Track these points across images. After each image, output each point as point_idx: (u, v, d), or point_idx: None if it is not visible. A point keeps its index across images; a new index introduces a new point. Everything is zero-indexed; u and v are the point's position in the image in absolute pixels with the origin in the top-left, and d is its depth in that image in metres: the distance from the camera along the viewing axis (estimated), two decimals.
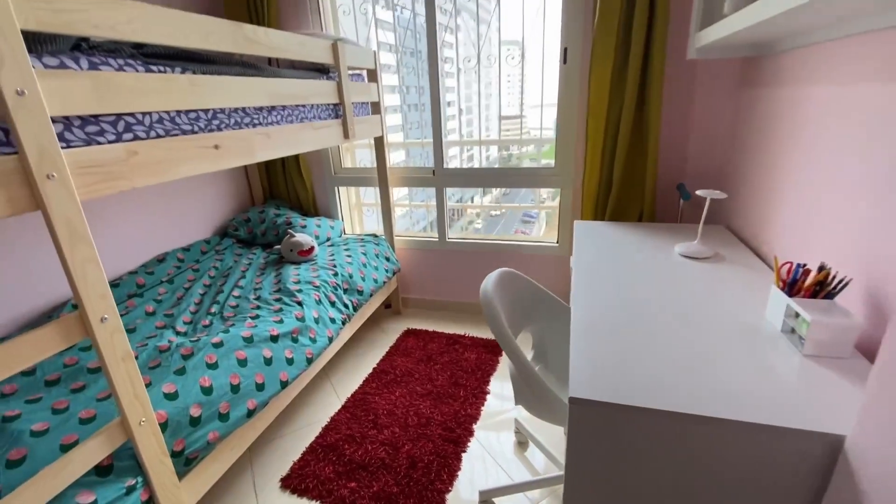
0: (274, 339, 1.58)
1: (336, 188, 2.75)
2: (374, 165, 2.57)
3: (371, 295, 2.26)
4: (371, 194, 2.97)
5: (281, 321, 1.67)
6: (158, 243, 2.22)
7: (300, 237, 2.22)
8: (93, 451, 0.99)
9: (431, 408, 1.89)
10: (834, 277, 0.94)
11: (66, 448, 1.03)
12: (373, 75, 2.32)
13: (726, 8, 1.35)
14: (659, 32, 1.74)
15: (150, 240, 2.17)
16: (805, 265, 0.98)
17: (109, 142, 1.00)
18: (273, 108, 1.55)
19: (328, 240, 2.54)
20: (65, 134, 0.92)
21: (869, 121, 0.96)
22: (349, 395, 2.00)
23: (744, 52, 1.58)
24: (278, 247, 2.34)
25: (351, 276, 2.14)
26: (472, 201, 4.54)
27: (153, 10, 1.06)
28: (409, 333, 2.51)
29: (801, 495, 0.76)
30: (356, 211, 2.97)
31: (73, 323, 0.93)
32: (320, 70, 1.93)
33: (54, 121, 0.89)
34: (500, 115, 2.55)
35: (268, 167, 2.73)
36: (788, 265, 1.00)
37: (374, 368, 2.19)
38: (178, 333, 1.62)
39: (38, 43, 0.90)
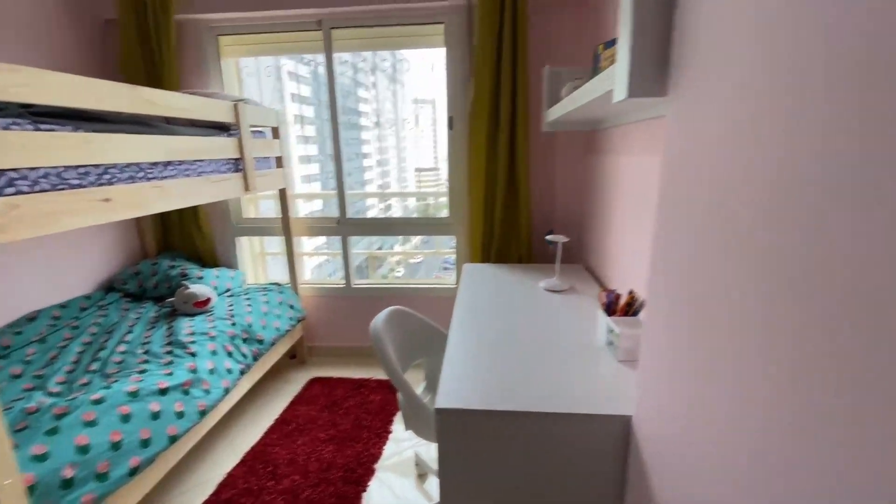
0: (163, 392, 1.54)
1: (237, 239, 2.75)
2: (279, 216, 2.64)
3: (273, 344, 2.26)
4: (276, 244, 3.00)
5: (171, 373, 1.63)
6: (30, 301, 2.04)
7: (195, 288, 2.19)
8: None
9: (334, 452, 1.91)
10: (636, 300, 1.24)
11: None
12: (276, 132, 2.45)
13: (563, 93, 1.74)
14: (521, 112, 2.13)
15: (20, 297, 1.99)
16: (615, 291, 1.28)
17: None
18: (169, 162, 1.61)
19: (228, 290, 2.51)
20: None
21: (643, 179, 1.33)
22: (248, 449, 1.95)
23: (585, 127, 2.01)
24: (171, 299, 2.27)
25: (251, 326, 2.14)
26: (393, 248, 4.71)
27: (49, 75, 1.13)
28: (314, 381, 2.51)
29: (616, 468, 0.98)
30: (260, 260, 2.96)
31: None
32: (221, 127, 2.03)
33: None
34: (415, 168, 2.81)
35: (163, 219, 2.66)
36: (605, 292, 1.30)
37: (277, 419, 2.16)
38: (50, 394, 1.51)
39: None
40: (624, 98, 0.79)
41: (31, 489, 1.09)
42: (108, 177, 1.34)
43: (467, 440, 0.99)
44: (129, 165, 1.42)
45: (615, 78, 0.83)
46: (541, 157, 2.36)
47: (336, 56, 2.46)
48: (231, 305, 2.26)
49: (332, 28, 2.38)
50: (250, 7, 2.31)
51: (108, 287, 2.45)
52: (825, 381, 0.40)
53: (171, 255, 2.64)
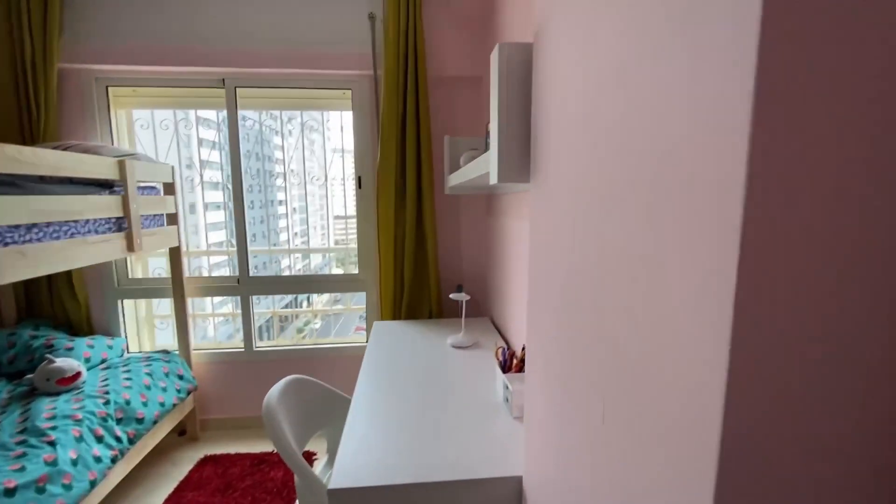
0: (9, 492, 1.29)
1: (120, 301, 2.48)
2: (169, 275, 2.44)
3: (155, 422, 2.02)
4: (166, 305, 2.75)
5: (23, 468, 1.38)
6: None
7: (62, 362, 1.91)
8: None
9: None
10: None
11: None
12: (170, 188, 2.32)
13: (461, 161, 1.90)
14: (426, 174, 2.27)
15: None
16: (509, 348, 1.37)
17: None
18: (34, 224, 1.45)
19: (103, 361, 2.22)
20: None
21: (522, 241, 1.47)
22: None
23: (483, 191, 2.18)
24: (30, 376, 1.94)
25: (128, 403, 1.90)
26: (310, 301, 4.47)
27: None
28: (206, 461, 2.25)
29: None
30: (146, 325, 2.67)
31: None
32: (103, 184, 1.87)
33: None
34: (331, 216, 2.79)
35: (26, 282, 2.32)
36: (500, 349, 1.38)
37: None
38: None
39: None
40: (496, 182, 0.90)
41: None
42: None
43: None
44: None
45: (489, 164, 0.95)
46: (447, 216, 2.50)
47: (243, 112, 2.44)
48: (105, 380, 1.99)
49: (238, 87, 2.38)
50: (147, 61, 2.23)
51: None
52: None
53: (33, 322, 2.29)
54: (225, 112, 2.41)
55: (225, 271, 2.83)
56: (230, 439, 2.47)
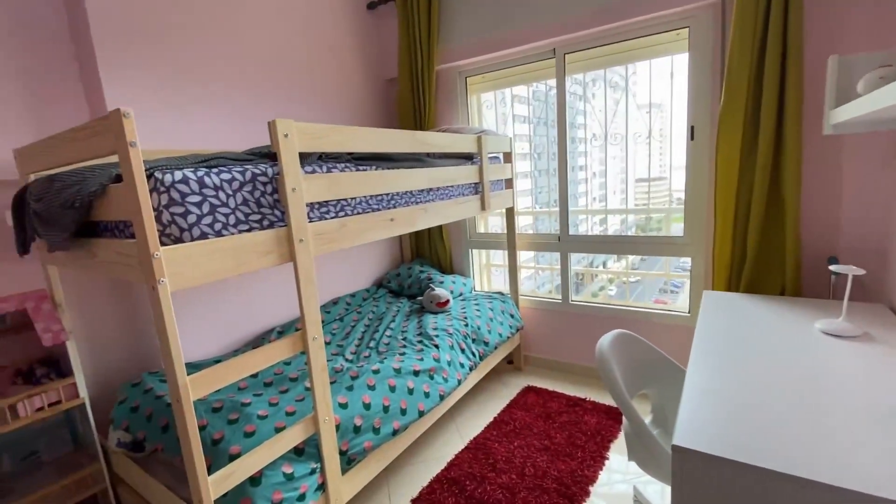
0: (416, 373, 1.90)
1: (470, 250, 3.14)
2: (504, 231, 2.89)
3: (496, 347, 2.49)
4: (499, 256, 3.29)
5: (422, 359, 2.00)
6: (334, 289, 2.81)
7: (439, 291, 2.60)
8: (295, 435, 1.38)
9: (548, 462, 1.97)
10: None
11: (278, 430, 1.44)
12: (507, 157, 2.71)
13: (860, 87, 1.39)
14: (791, 113, 1.78)
15: (328, 286, 2.78)
16: None
17: (330, 218, 1.48)
18: (430, 189, 1.99)
19: (461, 295, 2.89)
20: (308, 213, 1.41)
21: None
22: (471, 438, 2.20)
23: (893, 126, 1.53)
24: (420, 298, 2.75)
25: (479, 328, 2.42)
26: (605, 266, 4.46)
27: (363, 130, 1.57)
28: (529, 390, 2.64)
29: None
30: (485, 271, 3.30)
31: (297, 339, 1.36)
32: (466, 157, 2.37)
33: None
34: (634, 179, 2.68)
35: (416, 233, 3.26)
36: None
37: (495, 418, 2.37)
38: (346, 360, 2.05)
39: (300, 158, 1.42)
40: None
41: (336, 428, 1.51)
42: (392, 202, 1.75)
43: (710, 492, 0.90)
44: (405, 193, 1.82)
45: None
46: (818, 165, 1.91)
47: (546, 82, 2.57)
48: (463, 308, 2.60)
49: (566, 53, 2.49)
50: (495, 48, 2.63)
51: (379, 283, 3.15)
52: None
53: (420, 261, 3.21)
54: (535, 86, 2.57)
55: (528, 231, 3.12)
56: (546, 376, 2.79)
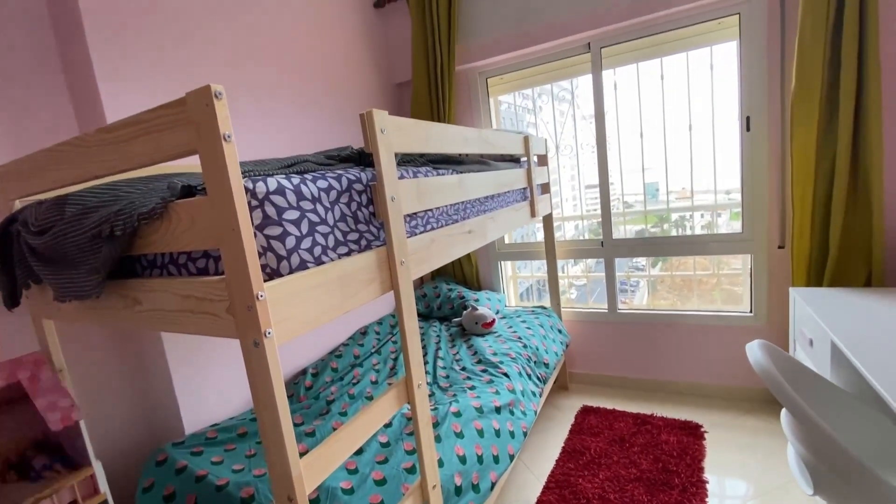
0: (497, 410, 1.63)
1: (499, 263, 2.90)
2: (529, 240, 2.68)
3: (554, 368, 2.25)
4: (524, 267, 3.08)
5: (497, 392, 1.72)
6: (359, 318, 2.48)
7: (483, 311, 2.34)
8: None
9: (648, 496, 1.74)
10: None
11: None
12: (543, 160, 2.52)
13: None
14: (872, 91, 1.69)
15: (352, 315, 2.45)
16: None
17: (419, 233, 1.20)
18: (492, 196, 1.74)
19: (498, 312, 2.64)
20: None
21: None
22: (547, 476, 1.93)
23: None
24: (458, 319, 2.48)
25: (538, 349, 2.17)
26: (564, 271, 4.28)
27: (448, 128, 1.32)
28: (586, 411, 2.41)
29: None
30: (511, 283, 3.07)
31: (401, 388, 1.07)
32: (512, 160, 2.15)
33: None
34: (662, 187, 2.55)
35: None
36: None
37: (563, 447, 2.11)
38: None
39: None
40: None
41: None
42: (466, 211, 1.49)
43: None
44: (474, 201, 1.57)
45: None
46: None
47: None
48: (511, 327, 2.34)
49: (603, 47, 2.35)
50: (521, 45, 2.45)
51: None
52: None
53: (443, 279, 2.93)
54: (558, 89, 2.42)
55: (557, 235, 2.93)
56: (597, 394, 2.57)
